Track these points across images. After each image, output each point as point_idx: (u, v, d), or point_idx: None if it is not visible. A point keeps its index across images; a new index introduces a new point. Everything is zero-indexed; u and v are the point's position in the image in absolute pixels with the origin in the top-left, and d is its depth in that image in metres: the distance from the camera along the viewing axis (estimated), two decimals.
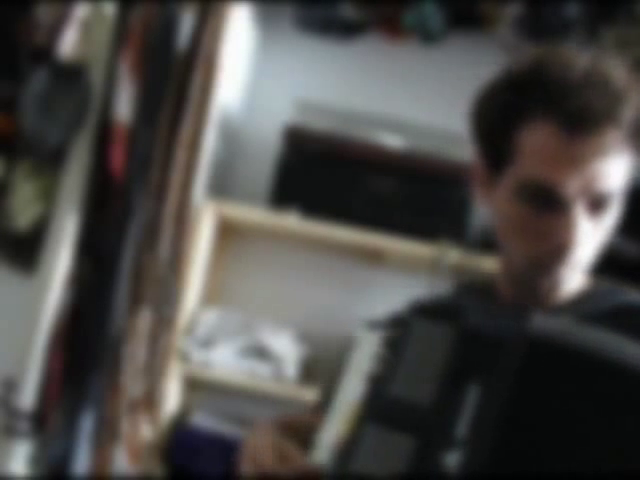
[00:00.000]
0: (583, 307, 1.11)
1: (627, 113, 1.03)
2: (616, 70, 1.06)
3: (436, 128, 2.48)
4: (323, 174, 2.43)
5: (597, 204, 1.05)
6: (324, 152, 2.43)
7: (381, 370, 1.00)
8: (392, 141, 2.45)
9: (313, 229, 2.38)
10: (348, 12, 2.57)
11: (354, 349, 1.07)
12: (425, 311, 1.02)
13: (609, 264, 2.35)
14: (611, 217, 1.09)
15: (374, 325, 1.07)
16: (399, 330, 1.01)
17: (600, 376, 0.90)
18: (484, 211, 2.45)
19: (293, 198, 2.40)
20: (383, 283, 2.58)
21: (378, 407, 0.97)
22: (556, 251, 1.05)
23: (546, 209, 1.05)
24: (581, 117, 1.02)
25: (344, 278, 2.60)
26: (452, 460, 0.90)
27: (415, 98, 2.61)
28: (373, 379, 1.01)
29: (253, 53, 2.68)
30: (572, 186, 1.03)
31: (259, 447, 1.09)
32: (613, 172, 1.04)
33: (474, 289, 1.24)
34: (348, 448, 0.98)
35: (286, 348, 2.41)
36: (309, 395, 2.35)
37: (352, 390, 1.04)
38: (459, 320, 0.97)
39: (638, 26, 2.38)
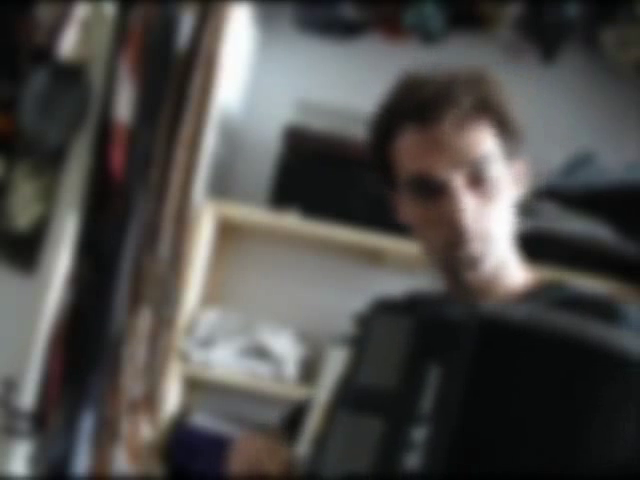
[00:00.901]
0: (534, 298, 1.18)
1: (465, 96, 1.17)
2: (450, 71, 1.21)
3: None
4: (323, 174, 2.43)
5: (475, 175, 1.17)
6: (324, 152, 2.43)
7: (347, 368, 1.08)
8: None
9: (313, 229, 2.38)
10: (348, 12, 2.57)
11: (324, 366, 1.17)
12: (385, 307, 1.10)
13: (609, 264, 2.36)
14: (504, 187, 1.19)
15: (342, 341, 1.15)
16: (362, 328, 1.09)
17: (553, 351, 0.96)
18: None
19: (293, 198, 2.40)
20: (383, 283, 2.58)
21: (347, 396, 1.05)
22: (452, 229, 1.16)
23: (432, 196, 1.18)
24: (425, 108, 1.17)
25: (344, 278, 2.60)
26: (419, 435, 0.95)
27: None
28: (342, 375, 1.09)
29: (253, 53, 2.68)
30: (442, 166, 1.16)
31: (249, 446, 1.22)
32: (474, 142, 1.17)
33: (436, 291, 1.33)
34: (323, 435, 1.05)
35: (286, 348, 2.41)
36: (309, 395, 2.35)
37: (325, 392, 1.13)
38: (415, 312, 1.05)
39: (638, 26, 2.38)
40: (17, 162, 2.48)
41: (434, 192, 1.18)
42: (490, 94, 1.19)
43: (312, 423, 1.13)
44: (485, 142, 1.18)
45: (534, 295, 1.20)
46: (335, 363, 1.13)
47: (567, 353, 0.96)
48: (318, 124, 2.46)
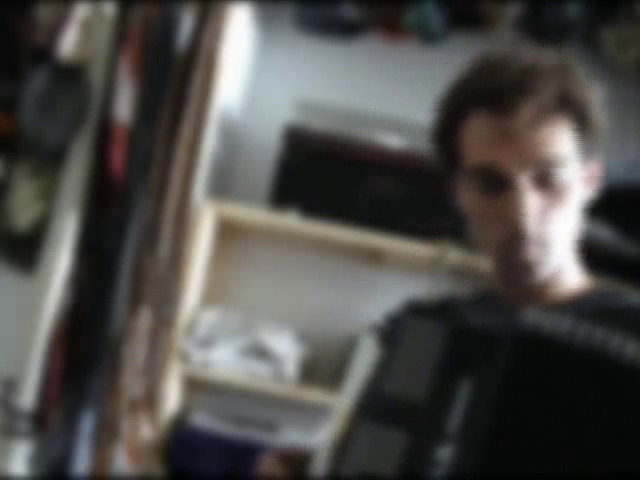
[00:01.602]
0: (581, 307, 1.10)
1: (547, 87, 1.07)
2: (535, 54, 1.10)
3: None
4: (323, 174, 2.43)
5: (544, 176, 1.07)
6: (324, 152, 2.43)
7: (376, 370, 1.03)
8: (392, 141, 2.45)
9: (313, 229, 2.38)
10: (348, 12, 2.57)
11: (355, 356, 1.11)
12: (419, 310, 1.04)
13: (609, 264, 2.36)
14: (575, 190, 1.10)
15: (374, 330, 1.10)
16: (393, 330, 1.04)
17: (590, 371, 0.92)
18: None
19: (293, 198, 2.40)
20: (383, 283, 2.58)
21: (372, 404, 1.00)
22: (511, 229, 1.07)
23: (495, 192, 1.08)
24: (501, 95, 1.07)
25: (344, 278, 2.60)
26: (444, 454, 0.92)
27: (415, 98, 2.60)
28: (369, 379, 1.03)
29: (253, 53, 2.68)
30: (511, 162, 1.06)
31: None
32: (550, 139, 1.07)
33: (477, 291, 1.25)
34: (344, 444, 1.01)
35: (286, 348, 2.41)
36: (309, 395, 2.35)
37: (350, 392, 1.08)
38: (451, 318, 0.99)
39: (638, 26, 2.38)
40: (17, 162, 2.48)
41: (498, 186, 1.08)
42: (574, 87, 1.08)
43: (336, 420, 1.09)
44: (561, 141, 1.07)
45: (581, 303, 1.12)
46: (365, 355, 1.09)
47: (606, 376, 0.91)
48: (318, 124, 2.46)
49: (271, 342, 2.40)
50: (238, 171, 2.66)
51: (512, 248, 1.08)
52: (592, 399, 0.91)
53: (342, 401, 1.11)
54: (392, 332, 1.04)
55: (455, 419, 0.93)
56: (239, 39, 2.53)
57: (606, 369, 0.92)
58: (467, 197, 1.13)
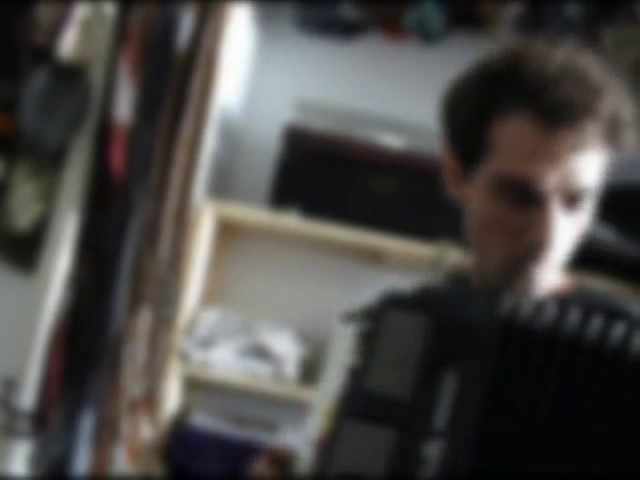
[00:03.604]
0: (567, 300, 1.07)
1: (605, 108, 1.00)
2: (592, 66, 1.03)
3: (436, 128, 2.48)
4: (323, 174, 2.43)
5: (573, 200, 1.03)
6: (324, 152, 2.43)
7: (356, 364, 0.98)
8: (392, 141, 2.45)
9: (313, 229, 2.38)
10: (348, 12, 2.57)
11: (332, 343, 1.07)
12: (397, 302, 0.99)
13: (609, 264, 2.36)
14: (585, 214, 1.07)
15: (349, 317, 1.05)
16: (372, 322, 0.99)
17: (579, 357, 0.89)
18: None
19: (293, 198, 2.40)
20: (383, 283, 2.57)
21: (355, 402, 0.96)
22: (532, 249, 1.02)
23: (522, 205, 1.02)
24: (560, 110, 0.99)
25: (344, 278, 2.60)
26: (433, 451, 0.89)
27: (415, 98, 2.61)
28: (349, 374, 0.99)
29: (253, 53, 2.68)
30: (549, 181, 1.00)
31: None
32: (590, 168, 1.02)
33: (450, 281, 1.23)
34: (329, 446, 0.97)
35: (286, 348, 2.41)
36: (309, 395, 2.35)
37: (331, 383, 1.04)
38: (431, 309, 0.95)
39: (638, 26, 2.38)
40: (17, 162, 2.48)
41: (527, 200, 1.02)
42: (622, 112, 1.02)
43: (318, 416, 1.07)
44: (596, 171, 1.03)
45: (565, 297, 1.08)
46: (343, 341, 1.04)
47: (597, 363, 0.88)
48: (318, 124, 2.46)
49: (271, 342, 2.41)
50: (238, 171, 2.66)
51: (522, 265, 1.04)
52: (584, 389, 0.89)
53: (322, 396, 1.08)
54: (369, 326, 0.99)
55: (442, 415, 0.90)
56: (239, 39, 2.53)
57: (597, 356, 0.89)
58: (483, 201, 1.05)
